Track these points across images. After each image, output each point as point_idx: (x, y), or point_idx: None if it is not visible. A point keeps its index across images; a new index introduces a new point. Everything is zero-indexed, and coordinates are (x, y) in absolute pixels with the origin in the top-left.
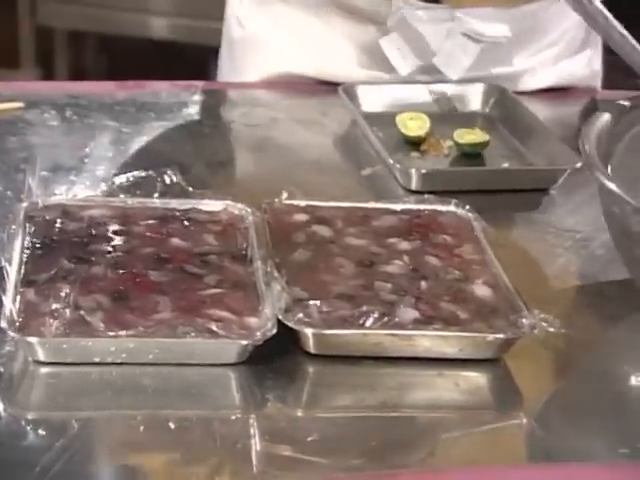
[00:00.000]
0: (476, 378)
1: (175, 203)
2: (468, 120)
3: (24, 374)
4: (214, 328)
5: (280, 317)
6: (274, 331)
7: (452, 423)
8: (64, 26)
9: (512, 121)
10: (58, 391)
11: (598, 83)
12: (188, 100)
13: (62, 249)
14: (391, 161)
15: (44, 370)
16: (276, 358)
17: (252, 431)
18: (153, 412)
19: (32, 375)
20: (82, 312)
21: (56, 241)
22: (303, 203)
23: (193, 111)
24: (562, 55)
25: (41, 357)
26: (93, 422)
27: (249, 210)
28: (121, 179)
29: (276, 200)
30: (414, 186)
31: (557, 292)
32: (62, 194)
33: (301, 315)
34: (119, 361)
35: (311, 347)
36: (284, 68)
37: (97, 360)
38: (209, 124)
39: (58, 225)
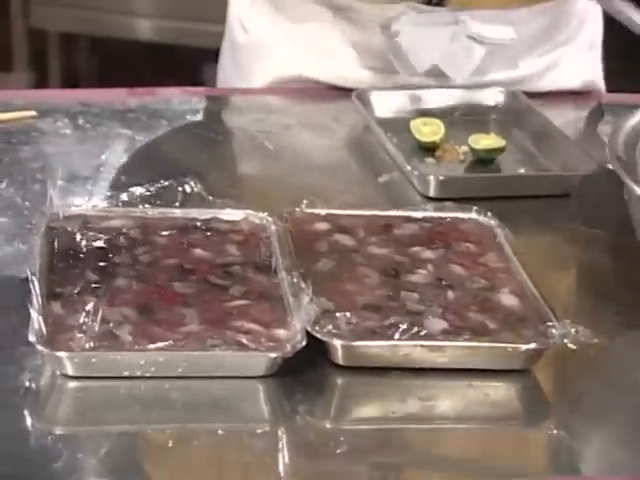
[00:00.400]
0: (505, 389)
1: (195, 213)
2: (482, 125)
3: (52, 388)
4: (244, 341)
5: (309, 329)
6: (304, 343)
7: (482, 434)
8: (56, 29)
9: (526, 125)
10: (86, 406)
11: (602, 86)
12: (199, 107)
13: (85, 261)
14: (409, 167)
15: (72, 384)
16: (304, 370)
17: (280, 444)
18: (182, 426)
19: (60, 389)
20: (110, 326)
21: (78, 252)
22: (324, 212)
23: (205, 118)
24: (568, 57)
25: (69, 371)
26: (122, 437)
27: (270, 219)
28: (140, 189)
29: (297, 209)
30: (432, 193)
31: (584, 300)
32: (81, 204)
33: (330, 327)
34: (147, 375)
35: (340, 359)
36: (292, 72)
37: (126, 374)
38: (221, 131)
39: (79, 236)
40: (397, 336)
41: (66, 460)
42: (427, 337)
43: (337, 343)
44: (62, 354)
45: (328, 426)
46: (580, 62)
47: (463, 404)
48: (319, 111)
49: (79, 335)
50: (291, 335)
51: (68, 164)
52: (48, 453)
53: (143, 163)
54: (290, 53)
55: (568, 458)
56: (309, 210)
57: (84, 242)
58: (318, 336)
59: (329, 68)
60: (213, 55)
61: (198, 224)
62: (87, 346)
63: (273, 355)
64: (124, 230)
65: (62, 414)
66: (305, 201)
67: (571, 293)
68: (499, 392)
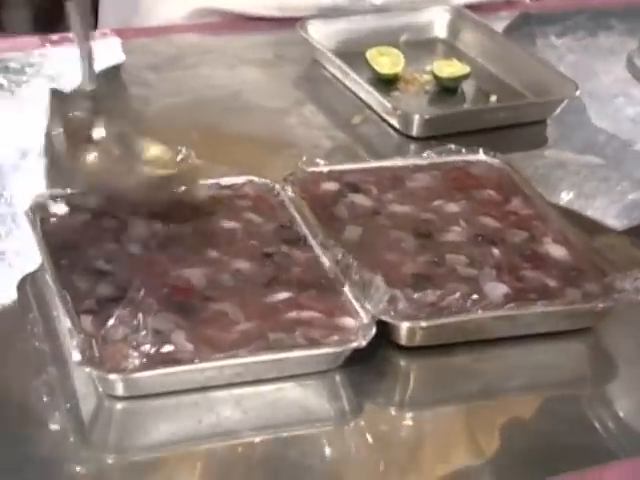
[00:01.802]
0: (574, 349)
1: None
2: (432, 49)
3: (99, 410)
4: (315, 335)
5: (377, 315)
6: (374, 331)
7: (558, 403)
8: None
9: (484, 48)
10: (139, 428)
11: None
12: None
13: (87, 252)
14: (389, 105)
15: (120, 405)
16: (367, 355)
17: (358, 435)
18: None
19: (108, 411)
20: (163, 335)
21: (77, 244)
22: (325, 169)
23: (127, 67)
24: None
25: (120, 392)
26: (184, 460)
27: (270, 183)
28: None
29: (297, 170)
30: (415, 132)
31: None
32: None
33: (391, 308)
34: (214, 383)
35: (405, 340)
36: (205, 3)
37: (189, 387)
38: (152, 78)
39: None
40: (460, 307)
41: None
42: (492, 305)
43: (410, 325)
44: (118, 375)
45: (402, 413)
46: None
47: (533, 372)
48: (257, 46)
49: (130, 351)
50: (360, 323)
51: None
52: None
53: None
54: None
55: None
56: (310, 169)
57: (78, 230)
58: (389, 321)
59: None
60: None
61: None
62: (139, 362)
63: (350, 347)
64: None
65: (113, 439)
66: (304, 158)
67: (606, 232)
68: (569, 354)
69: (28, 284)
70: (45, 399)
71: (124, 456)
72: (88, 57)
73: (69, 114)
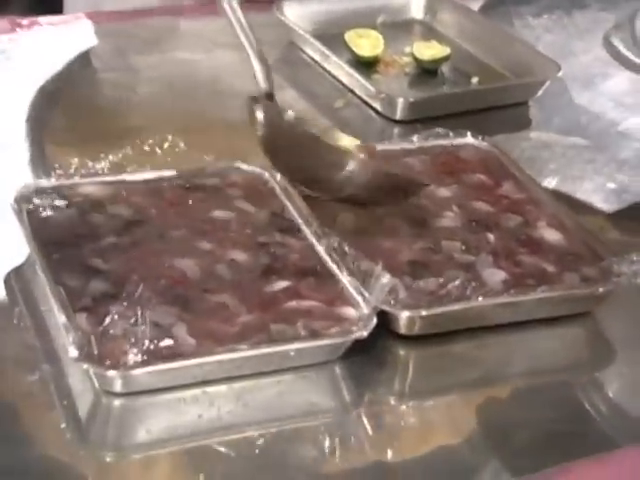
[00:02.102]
0: (574, 334)
1: (168, 171)
2: (410, 30)
3: (96, 408)
4: (316, 326)
5: (378, 304)
6: (375, 321)
7: (555, 387)
8: None
9: (462, 28)
10: (138, 424)
11: None
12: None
13: (81, 246)
14: (372, 89)
15: (118, 402)
16: (366, 345)
17: (360, 426)
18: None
19: (106, 408)
20: (164, 328)
21: (68, 237)
22: None
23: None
24: None
25: (118, 388)
26: (185, 456)
27: (258, 169)
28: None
29: None
30: (399, 116)
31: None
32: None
33: (392, 297)
34: (214, 377)
35: (405, 329)
36: None
37: (191, 381)
38: (127, 64)
39: (59, 214)
40: (459, 294)
41: None
42: (491, 291)
43: (410, 314)
44: (138, 371)
45: (401, 402)
46: None
47: (532, 357)
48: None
49: (128, 347)
50: (360, 313)
51: None
52: None
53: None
54: None
55: None
56: None
57: (67, 221)
58: (389, 310)
59: None
60: None
61: (179, 182)
62: (139, 358)
63: (351, 338)
64: (104, 201)
65: (112, 437)
66: None
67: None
68: (565, 339)
69: (13, 279)
70: (40, 397)
71: (123, 454)
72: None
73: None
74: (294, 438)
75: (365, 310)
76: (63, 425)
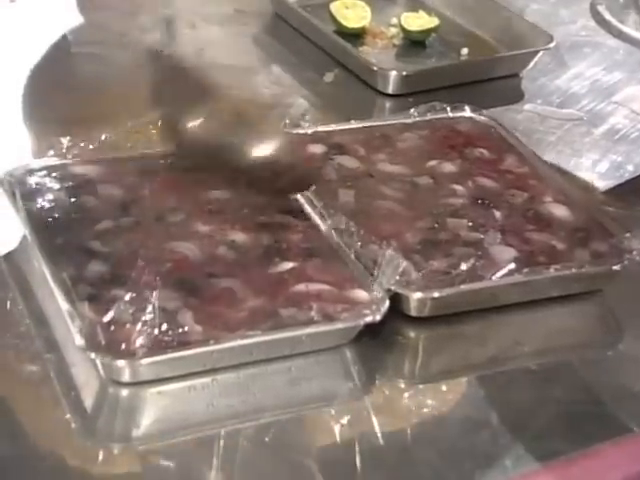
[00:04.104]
0: (585, 312)
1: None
2: (395, 1)
3: (103, 398)
4: (328, 310)
5: (391, 287)
6: (387, 303)
7: (569, 367)
8: None
9: None
10: (147, 415)
11: None
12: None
13: (78, 229)
14: (364, 62)
15: (125, 391)
16: (376, 327)
17: (368, 411)
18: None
19: (114, 399)
20: (171, 315)
21: (65, 220)
22: (310, 131)
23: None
24: None
25: (127, 378)
26: (196, 446)
27: None
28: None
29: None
30: (391, 89)
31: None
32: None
33: (404, 279)
34: (222, 365)
35: (416, 310)
36: None
37: (200, 369)
38: (109, 38)
39: (54, 196)
40: (469, 273)
41: None
42: (502, 269)
43: (423, 296)
44: (147, 360)
45: (413, 385)
46: None
47: (544, 336)
48: (216, 1)
49: (137, 334)
50: (372, 296)
51: None
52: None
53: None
54: None
55: None
56: (294, 131)
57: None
58: (403, 292)
59: None
60: None
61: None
62: (147, 347)
63: (364, 322)
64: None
65: (119, 428)
66: (287, 121)
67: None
68: (576, 317)
69: (3, 263)
70: (42, 387)
71: (132, 445)
72: None
73: None
74: (307, 424)
75: (376, 293)
76: (68, 416)
